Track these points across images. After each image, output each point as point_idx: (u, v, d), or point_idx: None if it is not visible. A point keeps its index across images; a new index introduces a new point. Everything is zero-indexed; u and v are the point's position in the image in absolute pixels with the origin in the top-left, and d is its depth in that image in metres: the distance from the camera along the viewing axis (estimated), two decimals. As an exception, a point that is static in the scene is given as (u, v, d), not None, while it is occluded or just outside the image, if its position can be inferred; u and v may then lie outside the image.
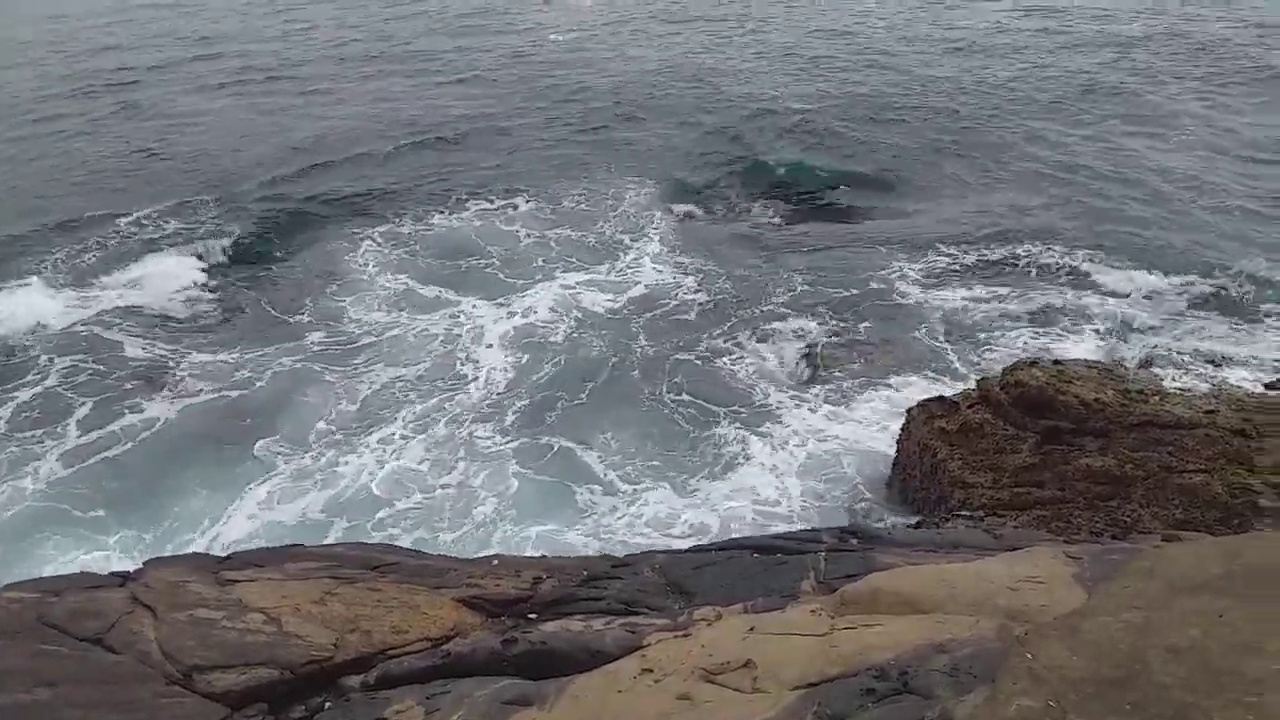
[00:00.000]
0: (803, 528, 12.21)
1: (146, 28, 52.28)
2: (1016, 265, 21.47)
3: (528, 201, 26.49)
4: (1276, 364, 15.86)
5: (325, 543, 10.08)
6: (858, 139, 29.45)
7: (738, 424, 16.72)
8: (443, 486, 15.39)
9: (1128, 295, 19.84)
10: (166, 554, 10.01)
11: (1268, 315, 18.59)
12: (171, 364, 19.06)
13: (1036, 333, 18.73)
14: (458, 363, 19.06)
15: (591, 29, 45.04)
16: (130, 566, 8.57)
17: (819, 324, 19.65)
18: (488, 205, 26.32)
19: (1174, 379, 14.37)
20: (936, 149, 28.53)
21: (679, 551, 8.64)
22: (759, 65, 38.33)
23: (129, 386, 18.25)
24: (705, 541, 11.49)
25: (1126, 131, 29.56)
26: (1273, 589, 4.33)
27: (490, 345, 19.66)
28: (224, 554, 9.03)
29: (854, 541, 8.91)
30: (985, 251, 22.17)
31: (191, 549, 13.41)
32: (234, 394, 18.10)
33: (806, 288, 21.19)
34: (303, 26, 50.91)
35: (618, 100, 34.59)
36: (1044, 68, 36.58)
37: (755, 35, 43.65)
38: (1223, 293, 19.54)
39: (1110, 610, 4.49)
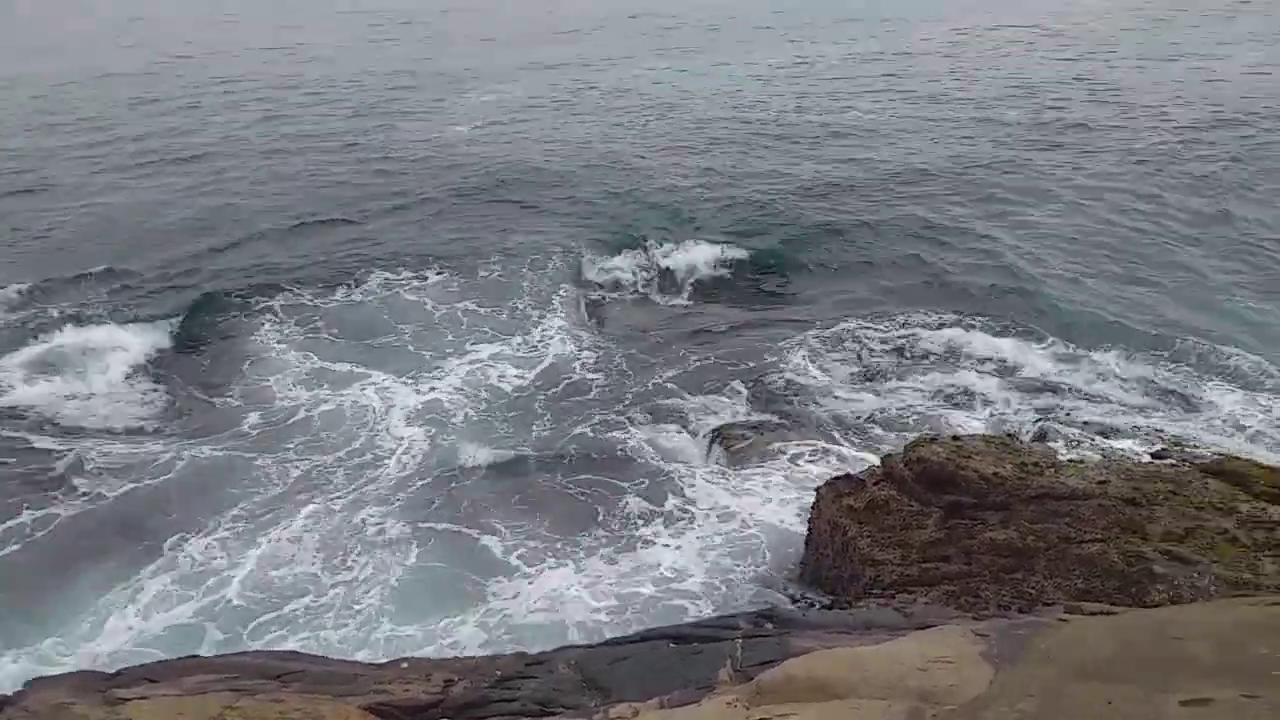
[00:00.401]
0: (718, 613, 12.17)
1: (31, 108, 51.13)
2: (913, 341, 22.17)
3: (437, 274, 26.50)
4: (1159, 433, 16.63)
5: (224, 652, 9.60)
6: (755, 219, 30.35)
7: (644, 501, 16.74)
8: (341, 582, 14.94)
9: (1019, 368, 20.62)
10: (51, 673, 9.39)
11: (1150, 383, 19.54)
12: (66, 453, 18.24)
13: (934, 407, 19.31)
14: (365, 446, 18.79)
15: (498, 117, 45.71)
16: (10, 689, 8.07)
17: (724, 400, 19.95)
18: (395, 278, 26.25)
19: (1067, 450, 14.90)
20: (831, 229, 29.47)
21: (594, 645, 8.51)
22: (663, 149, 39.36)
23: (16, 483, 17.39)
24: (619, 629, 11.34)
25: (1008, 206, 31.12)
26: (1157, 671, 4.47)
27: (397, 425, 19.47)
28: (114, 669, 8.56)
29: (769, 626, 8.92)
30: (882, 328, 22.86)
31: (80, 664, 12.63)
32: (135, 485, 17.39)
33: (709, 365, 21.55)
34: (196, 106, 50.37)
35: (525, 179, 35.06)
36: (928, 149, 38.41)
37: (662, 120, 44.89)
38: (1110, 363, 20.47)
39: (1008, 699, 4.57)
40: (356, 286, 25.74)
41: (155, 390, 21.22)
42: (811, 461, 17.33)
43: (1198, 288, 24.53)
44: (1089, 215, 29.88)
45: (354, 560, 15.43)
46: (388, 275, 26.29)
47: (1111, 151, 36.97)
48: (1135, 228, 28.71)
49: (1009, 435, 14.91)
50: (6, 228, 31.10)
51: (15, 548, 15.79)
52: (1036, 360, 20.83)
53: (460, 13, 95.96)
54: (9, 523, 16.31)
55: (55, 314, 24.03)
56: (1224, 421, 17.87)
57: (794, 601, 13.70)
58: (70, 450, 18.30)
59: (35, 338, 22.86)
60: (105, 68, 62.23)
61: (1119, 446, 15.57)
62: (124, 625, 14.10)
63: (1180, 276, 25.26)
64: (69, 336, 22.88)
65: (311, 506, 16.77)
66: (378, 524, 16.30)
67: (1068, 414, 18.18)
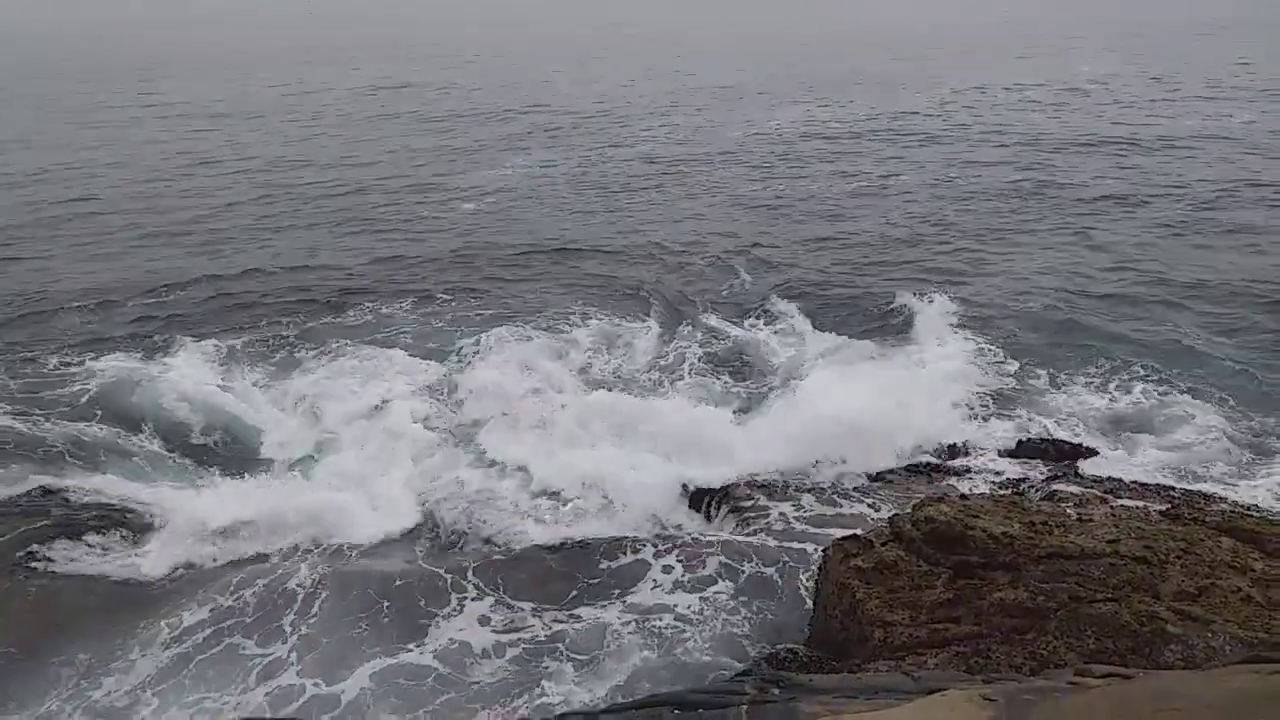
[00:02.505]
0: (724, 676, 11.97)
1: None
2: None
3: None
4: (1168, 490, 16.49)
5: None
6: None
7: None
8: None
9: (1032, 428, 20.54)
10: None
11: (1158, 436, 19.40)
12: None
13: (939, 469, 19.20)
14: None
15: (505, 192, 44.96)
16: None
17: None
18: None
19: (1075, 509, 14.77)
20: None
21: (595, 712, 8.36)
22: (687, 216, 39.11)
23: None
24: (621, 698, 11.15)
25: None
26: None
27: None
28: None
29: (776, 691, 8.76)
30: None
31: None
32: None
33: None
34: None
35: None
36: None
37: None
38: (1116, 422, 20.38)
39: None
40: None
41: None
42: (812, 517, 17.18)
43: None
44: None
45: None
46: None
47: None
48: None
49: (1017, 494, 14.82)
50: None
51: None
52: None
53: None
54: None
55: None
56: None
57: (802, 665, 13.48)
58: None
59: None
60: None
61: (1129, 505, 15.43)
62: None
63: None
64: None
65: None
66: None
67: (1077, 472, 18.05)
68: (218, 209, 39.25)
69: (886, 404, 20.21)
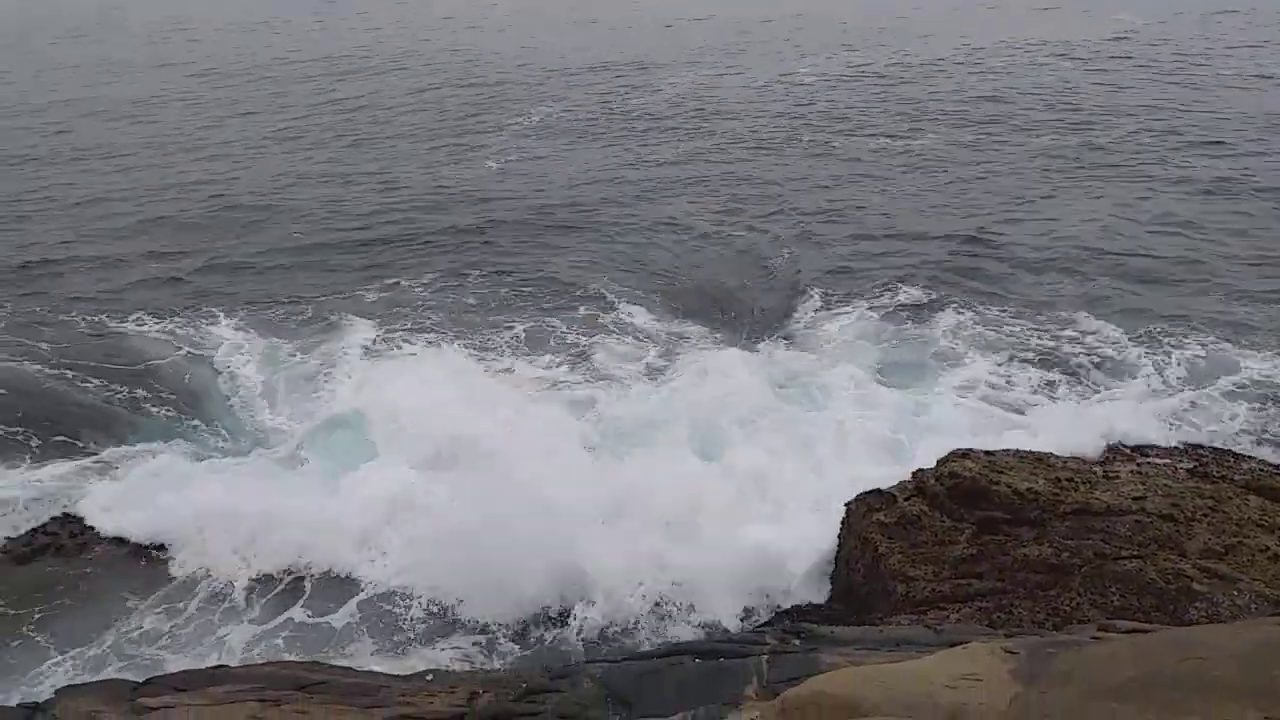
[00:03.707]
0: (745, 629, 12.05)
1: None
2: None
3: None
4: (1197, 448, 16.25)
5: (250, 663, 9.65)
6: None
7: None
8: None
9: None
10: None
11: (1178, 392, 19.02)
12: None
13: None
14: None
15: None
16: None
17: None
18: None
19: (1101, 466, 14.64)
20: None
21: (618, 660, 8.45)
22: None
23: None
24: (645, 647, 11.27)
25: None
26: (1178, 691, 4.36)
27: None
28: (142, 679, 8.63)
29: (797, 642, 8.82)
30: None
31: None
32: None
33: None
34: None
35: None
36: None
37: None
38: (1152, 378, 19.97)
39: (1025, 719, 4.48)
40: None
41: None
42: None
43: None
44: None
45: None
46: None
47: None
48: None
49: (1042, 451, 14.69)
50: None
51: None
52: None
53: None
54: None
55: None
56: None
57: (823, 618, 13.53)
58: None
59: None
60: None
61: (1156, 463, 15.28)
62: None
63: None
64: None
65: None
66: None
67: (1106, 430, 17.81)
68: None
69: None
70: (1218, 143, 37.25)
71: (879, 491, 14.16)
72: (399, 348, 21.70)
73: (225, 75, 59.04)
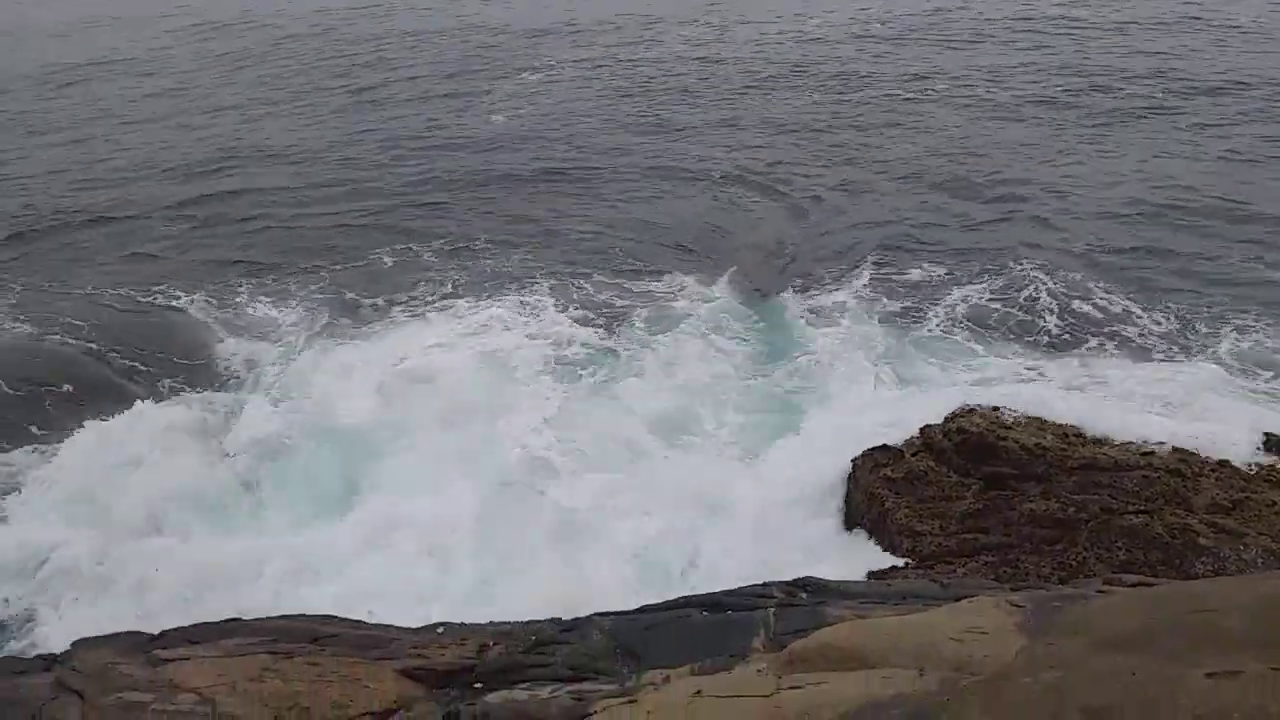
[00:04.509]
0: (752, 583, 12.10)
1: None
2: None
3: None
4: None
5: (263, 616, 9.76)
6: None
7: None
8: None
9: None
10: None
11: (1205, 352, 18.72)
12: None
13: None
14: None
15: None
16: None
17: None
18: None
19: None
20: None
21: (627, 612, 8.53)
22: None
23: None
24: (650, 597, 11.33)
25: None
26: (1184, 643, 4.38)
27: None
28: (157, 631, 8.74)
29: (804, 595, 8.88)
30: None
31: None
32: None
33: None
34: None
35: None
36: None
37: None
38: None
39: (1031, 670, 4.51)
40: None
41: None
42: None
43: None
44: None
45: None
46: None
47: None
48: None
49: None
50: None
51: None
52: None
53: None
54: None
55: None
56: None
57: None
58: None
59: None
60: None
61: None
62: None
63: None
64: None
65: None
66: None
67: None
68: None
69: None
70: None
71: (886, 447, 14.17)
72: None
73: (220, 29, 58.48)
